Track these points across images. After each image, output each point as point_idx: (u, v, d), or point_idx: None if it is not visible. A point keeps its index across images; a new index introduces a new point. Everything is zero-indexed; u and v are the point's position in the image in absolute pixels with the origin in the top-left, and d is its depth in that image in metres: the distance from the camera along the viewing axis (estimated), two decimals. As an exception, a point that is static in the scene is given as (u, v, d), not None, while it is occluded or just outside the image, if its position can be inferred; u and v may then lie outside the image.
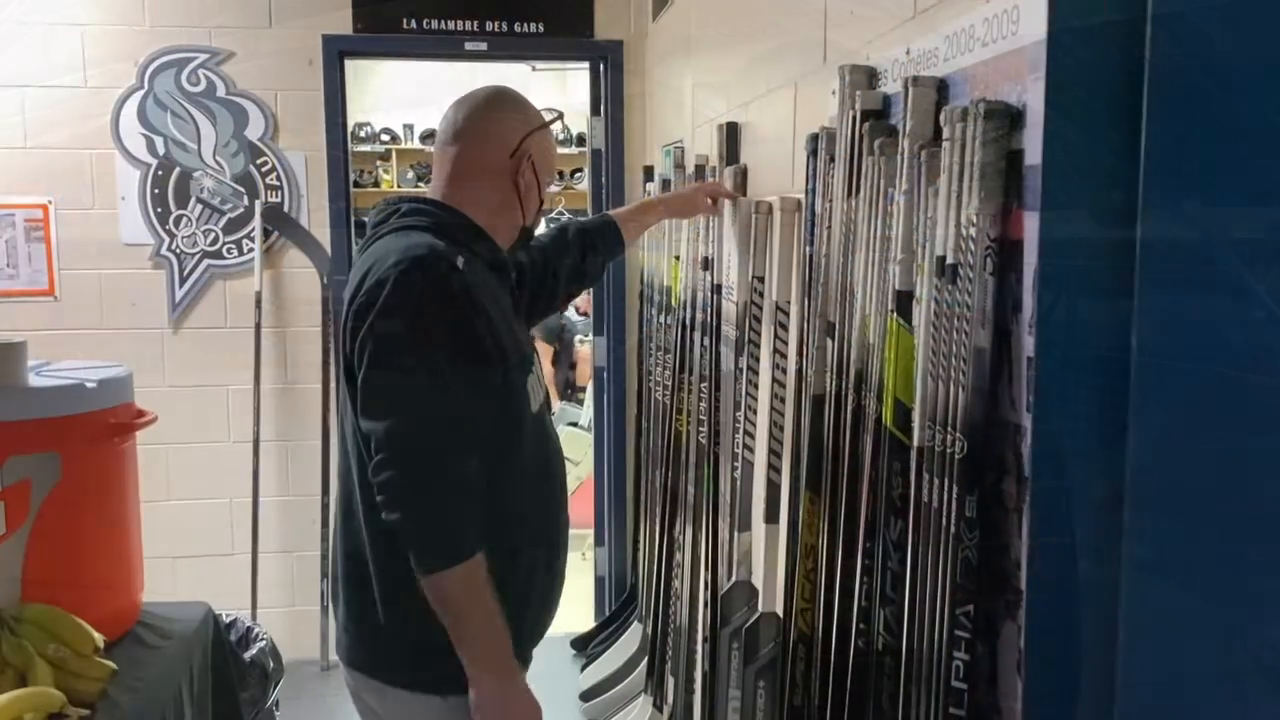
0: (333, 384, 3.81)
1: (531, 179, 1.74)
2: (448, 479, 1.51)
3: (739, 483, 2.34)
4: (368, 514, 1.58)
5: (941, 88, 1.41)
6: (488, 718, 1.55)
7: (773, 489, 2.18)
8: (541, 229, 2.00)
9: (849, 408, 1.64)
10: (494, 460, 1.58)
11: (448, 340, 1.53)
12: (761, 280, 2.28)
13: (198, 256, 3.86)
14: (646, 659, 3.34)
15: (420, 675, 1.61)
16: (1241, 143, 0.92)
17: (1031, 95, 1.17)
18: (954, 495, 1.27)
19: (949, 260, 1.28)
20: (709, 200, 2.50)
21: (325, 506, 3.87)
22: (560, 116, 1.80)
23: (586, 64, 4.17)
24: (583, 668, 3.79)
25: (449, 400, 1.53)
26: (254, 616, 3.66)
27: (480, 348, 1.56)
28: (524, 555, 1.64)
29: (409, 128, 8.16)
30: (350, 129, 4.19)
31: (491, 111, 1.74)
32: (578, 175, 7.89)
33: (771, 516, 2.18)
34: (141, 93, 3.76)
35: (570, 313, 6.50)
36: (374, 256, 1.59)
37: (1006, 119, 1.21)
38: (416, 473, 1.50)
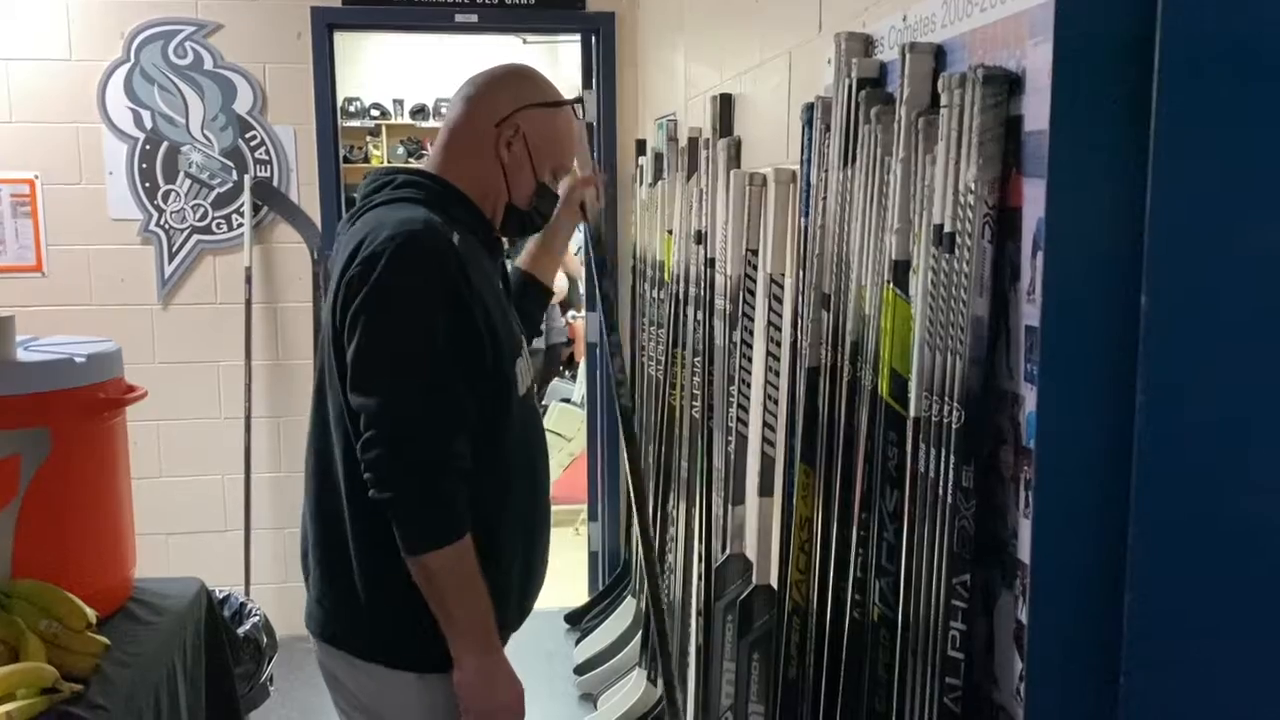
0: (324, 360, 3.79)
1: (522, 156, 1.66)
2: (438, 459, 1.48)
3: (733, 456, 2.34)
4: (350, 487, 1.55)
5: (939, 54, 1.40)
6: (471, 696, 1.55)
7: (767, 462, 2.17)
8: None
9: (844, 379, 1.63)
10: (481, 443, 1.55)
11: (442, 319, 1.49)
12: (755, 253, 2.26)
13: (187, 232, 3.83)
14: (640, 632, 3.35)
15: (398, 651, 1.59)
16: (1255, 105, 0.91)
17: (1030, 60, 1.15)
18: (951, 465, 1.27)
19: (946, 229, 1.27)
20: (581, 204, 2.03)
21: (318, 483, 3.85)
22: (578, 101, 1.73)
23: (578, 36, 4.14)
24: (577, 642, 3.80)
25: (441, 380, 1.49)
26: (247, 592, 3.66)
27: (474, 328, 1.52)
28: (507, 539, 1.62)
29: (399, 103, 8.11)
30: (340, 104, 4.15)
31: (497, 81, 1.68)
32: (569, 150, 7.84)
33: (766, 490, 2.18)
34: (128, 66, 3.71)
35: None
36: (367, 227, 1.54)
37: (1005, 84, 1.19)
38: (407, 452, 1.47)
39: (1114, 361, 0.99)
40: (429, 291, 1.49)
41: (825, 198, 1.74)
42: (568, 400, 5.47)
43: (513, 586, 1.65)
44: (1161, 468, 0.96)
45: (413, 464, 1.47)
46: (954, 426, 1.26)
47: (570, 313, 6.54)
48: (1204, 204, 0.94)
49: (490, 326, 1.55)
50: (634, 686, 3.25)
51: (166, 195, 3.80)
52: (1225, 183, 0.93)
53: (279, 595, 3.88)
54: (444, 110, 1.71)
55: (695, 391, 2.68)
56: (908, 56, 1.40)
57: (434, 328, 1.49)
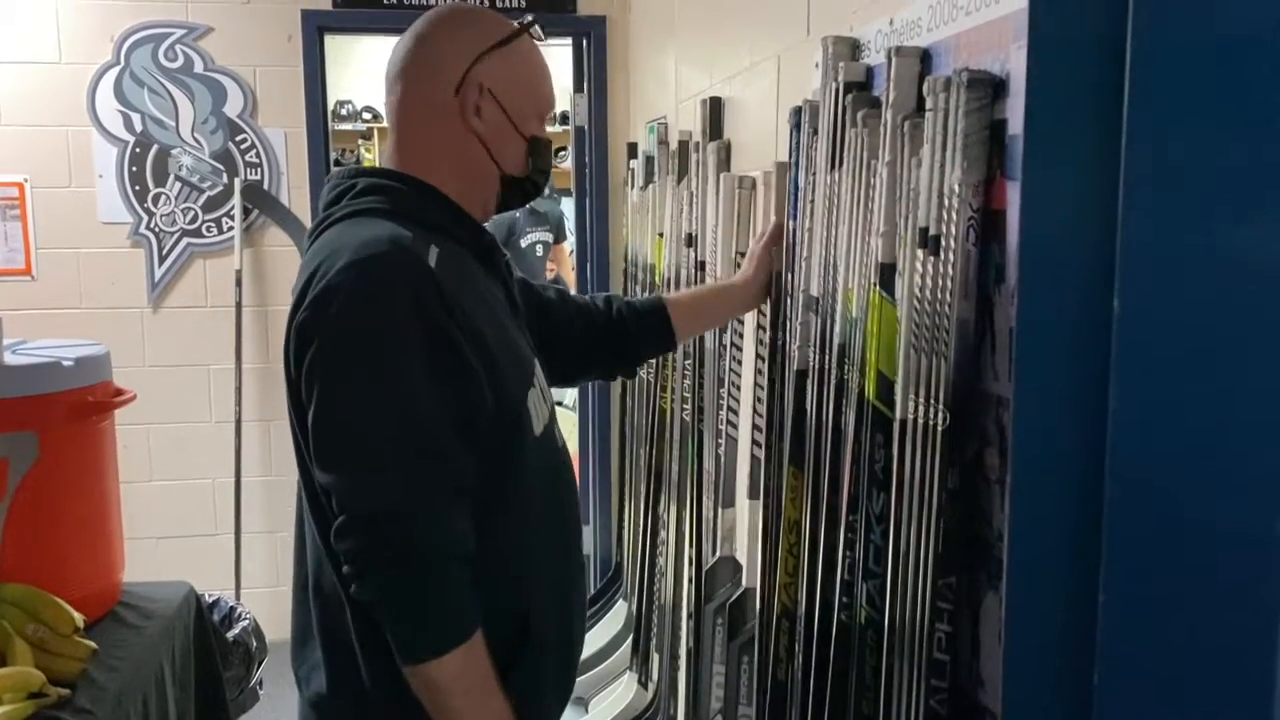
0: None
1: (498, 117, 1.33)
2: (432, 545, 1.19)
3: (723, 459, 2.34)
4: (341, 573, 1.26)
5: (925, 58, 1.40)
6: None
7: (756, 465, 2.18)
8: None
9: (832, 382, 1.63)
10: (492, 508, 1.27)
11: (422, 364, 1.19)
12: (745, 256, 2.27)
13: (177, 235, 3.82)
14: (631, 636, 3.35)
15: None
16: (1225, 109, 0.91)
17: (1014, 63, 1.16)
18: (937, 468, 1.27)
19: (932, 231, 1.28)
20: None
21: (309, 486, 3.85)
22: (533, 24, 1.37)
23: (569, 40, 4.14)
24: (568, 645, 3.79)
25: (427, 443, 1.20)
26: (238, 596, 3.65)
27: (465, 367, 1.22)
28: (542, 619, 1.34)
29: (391, 106, 8.09)
30: (331, 107, 4.15)
31: (433, 36, 1.34)
32: (561, 153, 7.85)
33: (755, 492, 2.18)
34: (118, 69, 3.71)
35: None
36: (323, 252, 1.24)
37: (989, 88, 1.20)
38: (390, 541, 1.18)
39: (1089, 364, 0.99)
40: (401, 332, 1.19)
41: (813, 201, 1.75)
42: (559, 403, 5.47)
43: (550, 670, 1.37)
44: (1134, 469, 0.97)
45: (399, 556, 1.18)
46: (940, 429, 1.26)
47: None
48: (1175, 207, 0.95)
49: (488, 359, 1.26)
50: (625, 690, 3.25)
51: (156, 198, 3.79)
52: (1197, 186, 0.94)
53: (269, 599, 3.87)
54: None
55: (686, 394, 2.68)
56: (893, 60, 1.41)
57: (412, 378, 1.19)
